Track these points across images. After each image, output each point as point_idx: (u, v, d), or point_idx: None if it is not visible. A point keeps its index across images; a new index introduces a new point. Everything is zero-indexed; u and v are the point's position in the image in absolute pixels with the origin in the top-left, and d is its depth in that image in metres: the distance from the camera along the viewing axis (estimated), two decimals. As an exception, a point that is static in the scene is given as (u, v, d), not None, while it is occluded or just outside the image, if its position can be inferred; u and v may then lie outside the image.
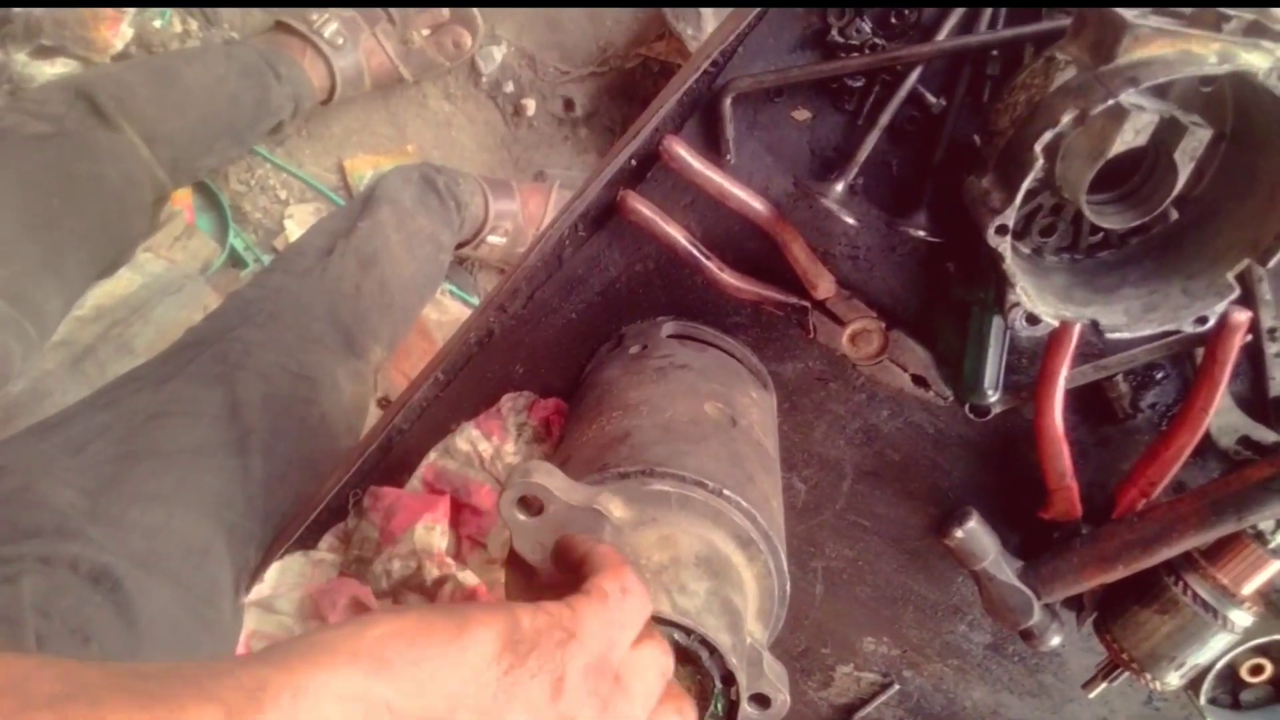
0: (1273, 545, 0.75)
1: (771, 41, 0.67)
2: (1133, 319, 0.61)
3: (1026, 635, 0.78)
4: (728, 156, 0.69)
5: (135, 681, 0.30)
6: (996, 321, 0.69)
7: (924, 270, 0.71)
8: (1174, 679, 0.75)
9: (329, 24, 1.50)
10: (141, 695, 0.29)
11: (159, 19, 1.56)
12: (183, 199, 1.53)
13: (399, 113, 1.61)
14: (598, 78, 1.59)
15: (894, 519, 0.81)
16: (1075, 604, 0.79)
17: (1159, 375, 0.74)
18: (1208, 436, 0.72)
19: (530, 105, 1.59)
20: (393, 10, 1.51)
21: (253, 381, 0.91)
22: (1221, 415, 0.72)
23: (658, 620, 0.48)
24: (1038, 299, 0.60)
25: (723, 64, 0.67)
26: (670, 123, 0.69)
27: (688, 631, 0.48)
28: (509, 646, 0.38)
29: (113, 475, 0.78)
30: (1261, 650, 0.78)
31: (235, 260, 1.58)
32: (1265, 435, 0.72)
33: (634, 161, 0.70)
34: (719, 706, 0.51)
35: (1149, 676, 0.75)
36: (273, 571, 0.81)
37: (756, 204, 0.69)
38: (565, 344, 0.77)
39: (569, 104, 1.59)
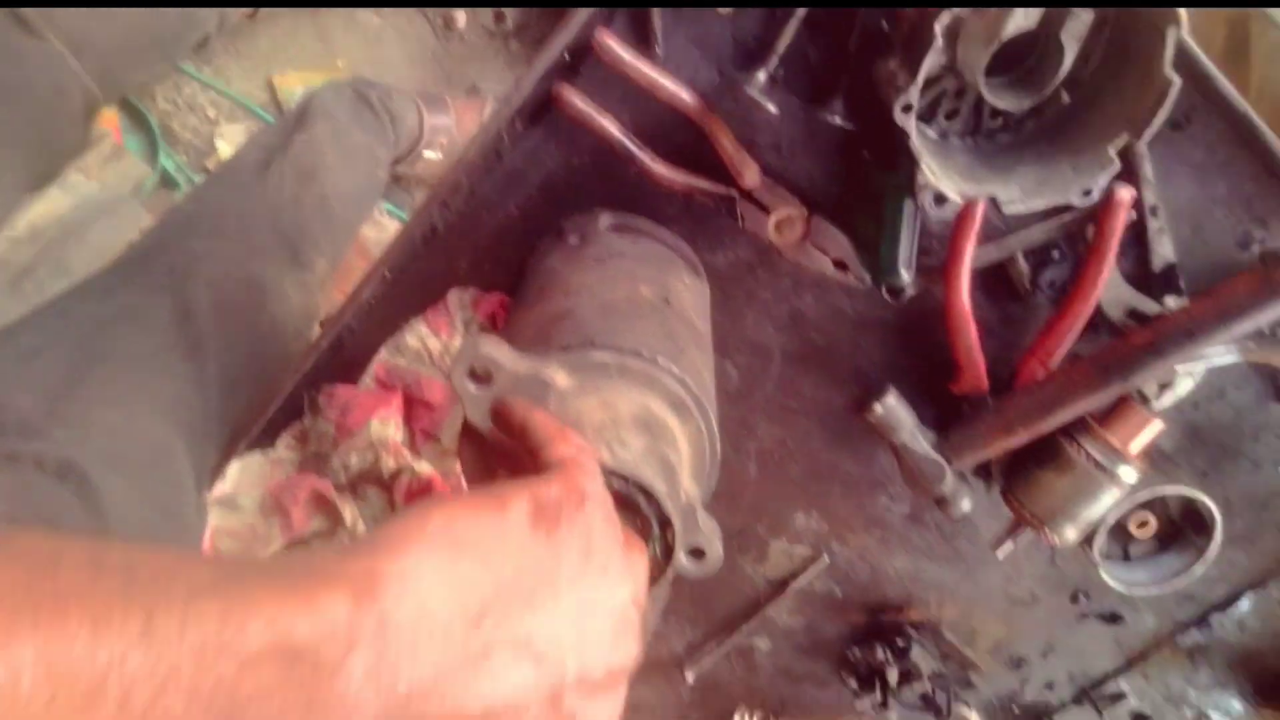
0: (1156, 406, 0.83)
1: (696, -63, 0.69)
2: (1027, 194, 0.66)
3: (941, 502, 0.85)
4: (657, 49, 0.72)
5: (260, 572, 0.33)
6: (908, 205, 0.74)
7: (843, 158, 0.75)
8: (1071, 533, 0.83)
9: (250, -66, 1.46)
10: (278, 579, 0.33)
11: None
12: (110, 120, 1.50)
13: (327, 28, 1.59)
14: (529, -10, 1.59)
15: (820, 399, 0.86)
16: (984, 473, 0.87)
17: (1055, 254, 0.80)
18: (1099, 310, 0.79)
19: (460, 18, 1.58)
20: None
21: (201, 290, 0.92)
22: (1110, 289, 0.79)
23: (600, 469, 0.53)
24: (942, 176, 0.65)
25: (650, -41, 0.70)
26: (601, 17, 0.71)
27: (626, 479, 0.53)
28: (541, 514, 0.42)
29: (69, 380, 0.80)
30: (1146, 505, 0.86)
31: (167, 181, 1.56)
32: (1149, 306, 0.79)
33: (568, 56, 0.73)
34: (656, 550, 0.56)
35: (1049, 532, 0.83)
36: (233, 470, 0.84)
37: (685, 95, 0.73)
38: (507, 239, 0.80)
39: (499, 16, 1.59)
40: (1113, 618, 0.96)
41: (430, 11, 1.59)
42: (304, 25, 1.59)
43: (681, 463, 0.61)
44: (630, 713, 1.07)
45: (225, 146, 1.58)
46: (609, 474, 0.53)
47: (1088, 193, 0.66)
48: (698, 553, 0.59)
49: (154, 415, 0.81)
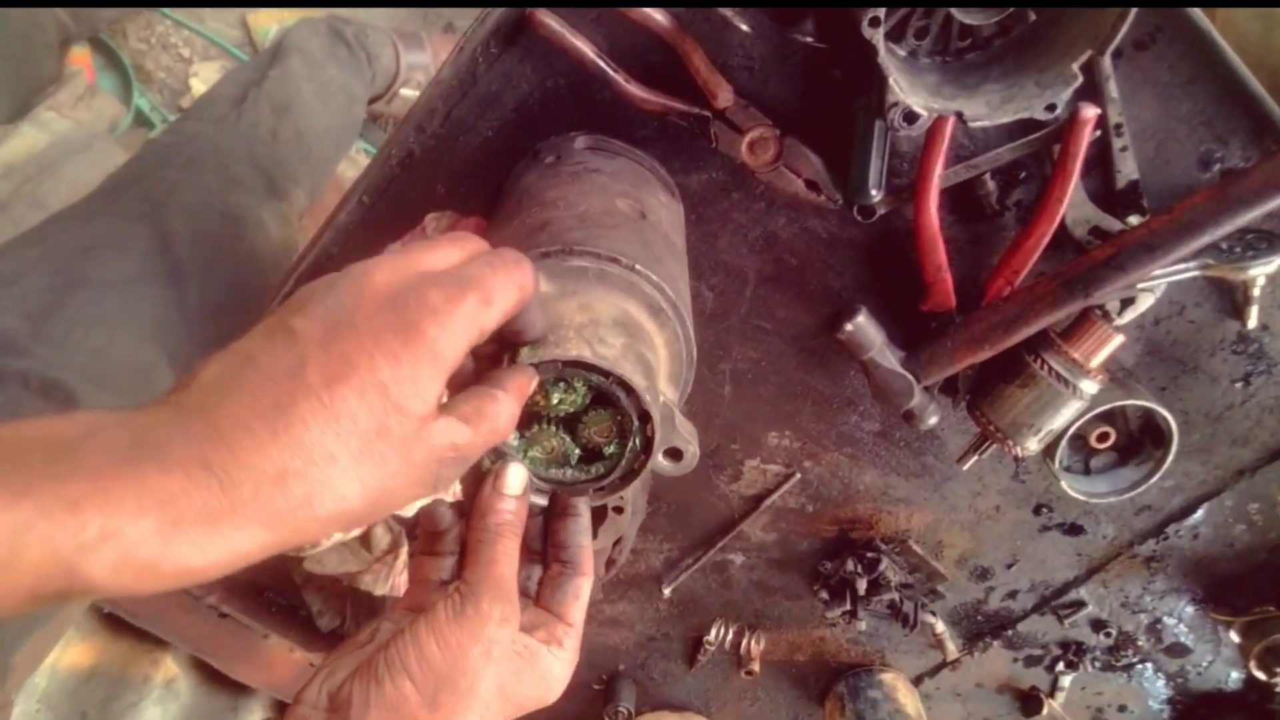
0: (1117, 322, 0.86)
1: None
2: (993, 109, 0.68)
3: (909, 416, 0.88)
4: (630, -30, 0.73)
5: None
6: (878, 125, 0.76)
7: (814, 79, 0.77)
8: (1033, 444, 0.86)
9: None
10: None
11: None
12: (82, 58, 1.49)
13: (301, -36, 1.57)
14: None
15: (793, 320, 0.89)
16: (951, 390, 0.89)
17: (1022, 174, 0.82)
18: (1064, 228, 0.81)
19: (438, -46, 1.56)
20: None
21: (180, 218, 0.93)
22: (1075, 208, 0.81)
23: (581, 365, 0.55)
24: (910, 93, 0.67)
25: (622, -124, 0.70)
26: (574, -64, 0.72)
27: (606, 374, 0.55)
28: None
29: (51, 303, 0.81)
30: (1106, 418, 0.90)
31: (142, 120, 1.55)
32: (1112, 224, 0.81)
33: (541, -23, 0.73)
34: (637, 442, 0.58)
35: (1012, 444, 0.86)
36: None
37: (659, 15, 0.74)
38: (483, 162, 0.82)
39: (476, -47, 1.57)
40: (1074, 529, 0.99)
41: (405, -54, 1.57)
42: (276, -39, 1.57)
43: (659, 365, 0.63)
44: (609, 626, 1.12)
45: (200, 85, 1.57)
46: (589, 369, 0.55)
47: (1052, 107, 0.67)
48: (675, 453, 0.61)
49: (136, 337, 0.83)
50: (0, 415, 0.70)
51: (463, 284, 0.45)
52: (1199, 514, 0.98)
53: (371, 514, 0.43)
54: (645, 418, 0.57)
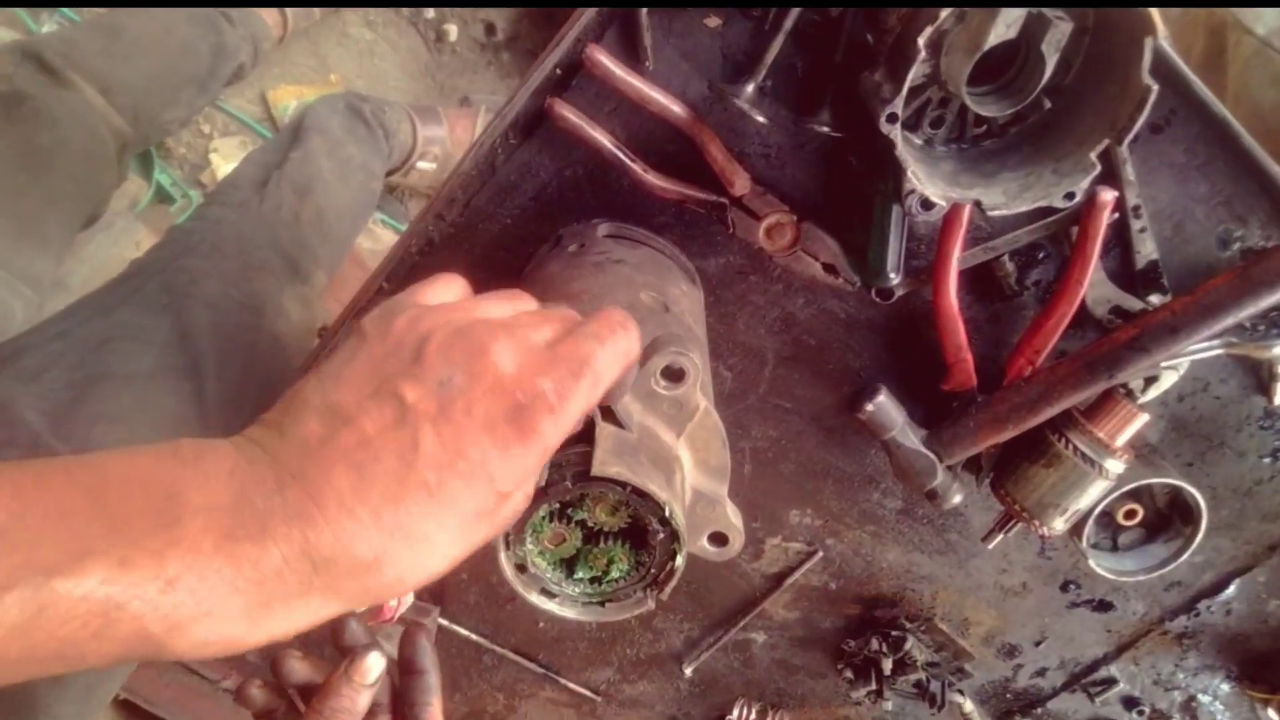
0: (1141, 400, 0.86)
1: (683, -47, 0.71)
2: (1010, 198, 0.68)
3: (932, 496, 0.87)
4: (647, 63, 0.74)
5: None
6: (895, 210, 0.76)
7: (830, 165, 0.77)
8: (1059, 524, 0.85)
9: (265, -44, 1.48)
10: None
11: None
12: (103, 136, 1.51)
13: (320, 42, 1.61)
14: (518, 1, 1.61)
15: (812, 399, 0.88)
16: (975, 468, 0.89)
17: (1041, 255, 0.82)
18: (1084, 309, 0.81)
19: (452, 30, 1.60)
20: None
21: (200, 309, 0.94)
22: (1095, 288, 0.81)
23: (645, 496, 0.55)
24: (928, 183, 0.67)
25: (638, -25, 0.71)
26: (591, 33, 0.73)
27: (664, 518, 0.55)
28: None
29: (72, 399, 0.81)
30: (1133, 495, 0.89)
31: (163, 196, 1.58)
32: (1133, 304, 0.81)
33: (559, 71, 0.74)
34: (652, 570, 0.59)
35: (1038, 524, 0.85)
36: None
37: (675, 107, 0.75)
38: (502, 249, 0.82)
39: (490, 28, 1.61)
40: (1103, 605, 0.98)
41: (421, 24, 1.61)
42: (297, 40, 1.61)
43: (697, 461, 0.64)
44: (629, 707, 1.10)
45: (220, 161, 1.59)
46: (651, 503, 0.55)
47: (1070, 195, 0.68)
48: (720, 538, 0.62)
49: (155, 433, 0.83)
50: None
51: (576, 368, 0.45)
52: (1231, 589, 0.96)
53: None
54: (671, 554, 0.57)
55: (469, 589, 1.00)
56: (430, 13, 1.57)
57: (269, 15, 1.45)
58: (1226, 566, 0.95)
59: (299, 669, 0.60)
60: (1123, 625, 0.99)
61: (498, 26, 1.60)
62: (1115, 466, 0.82)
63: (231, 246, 1.05)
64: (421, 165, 1.54)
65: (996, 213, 0.68)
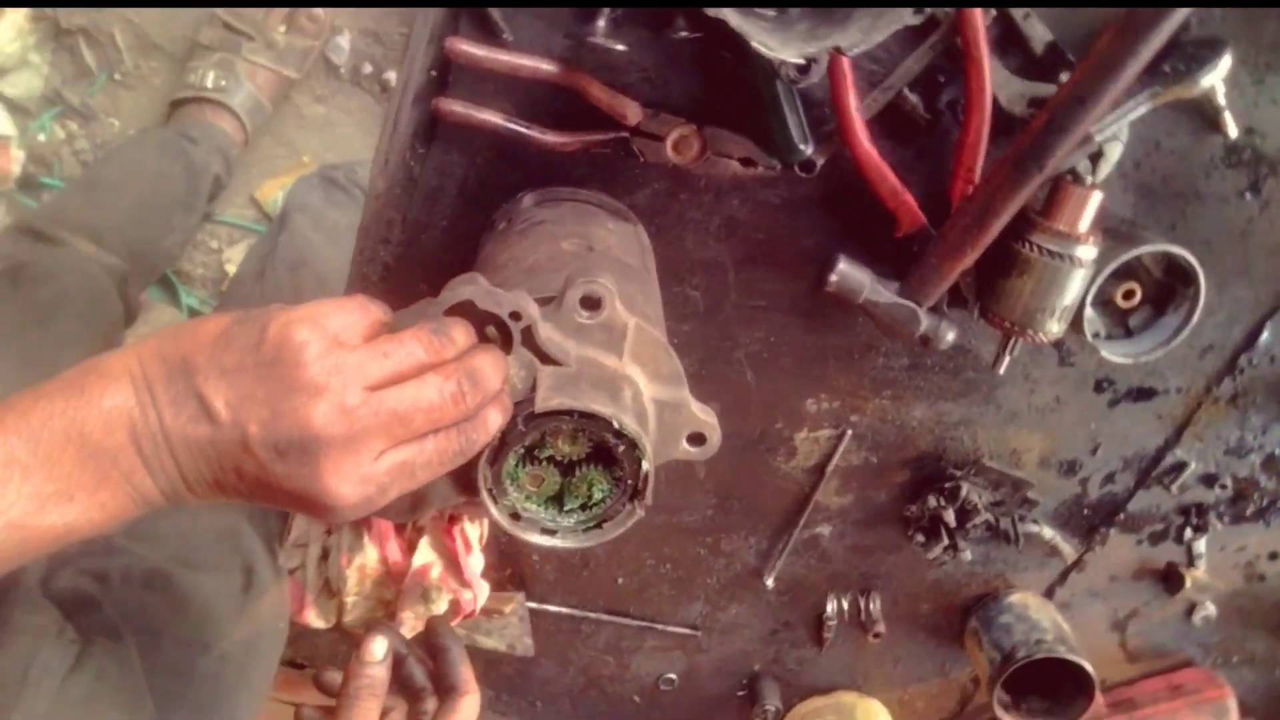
0: (1096, 179, 0.85)
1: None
2: (866, 33, 0.70)
3: (925, 341, 0.88)
4: (505, 36, 0.78)
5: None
6: (779, 84, 0.78)
7: (708, 66, 0.80)
8: (1055, 326, 0.85)
9: (207, 74, 1.60)
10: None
11: (41, 132, 1.66)
12: (127, 283, 1.65)
13: (282, 131, 1.71)
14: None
15: (783, 290, 0.91)
16: (961, 302, 0.89)
17: (941, 78, 0.82)
18: (1004, 112, 0.81)
19: (393, 78, 1.67)
20: (243, 26, 1.60)
21: None
22: (1005, 88, 0.81)
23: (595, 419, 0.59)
24: (783, 47, 0.69)
25: (467, -40, 0.76)
26: (447, 28, 0.78)
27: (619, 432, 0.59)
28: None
29: None
30: (1126, 275, 0.88)
31: (195, 315, 1.70)
32: (1047, 89, 0.81)
33: (434, 73, 0.79)
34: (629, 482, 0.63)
35: (1033, 332, 0.85)
36: (298, 523, 0.93)
37: (545, 65, 0.78)
38: (449, 251, 0.88)
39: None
40: (1143, 394, 0.97)
41: (364, 81, 1.68)
42: (263, 137, 1.71)
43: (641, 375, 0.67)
44: (729, 632, 1.14)
45: (234, 269, 1.71)
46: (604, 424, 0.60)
47: (919, 11, 0.69)
48: (698, 438, 0.66)
49: (217, 508, 0.91)
50: (114, 610, 0.78)
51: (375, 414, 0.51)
52: (1266, 335, 0.93)
53: None
54: (637, 461, 0.61)
55: (544, 568, 1.06)
56: (367, 68, 1.65)
57: (226, 123, 1.55)
58: (1253, 314, 0.93)
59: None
60: (1171, 407, 0.97)
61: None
62: (1086, 253, 0.82)
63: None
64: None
65: (858, 50, 0.70)
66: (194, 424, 0.48)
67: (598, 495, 0.64)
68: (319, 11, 1.59)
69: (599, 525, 0.64)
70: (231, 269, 1.70)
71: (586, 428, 0.61)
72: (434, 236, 0.87)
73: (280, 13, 1.59)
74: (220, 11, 1.56)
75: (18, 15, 1.57)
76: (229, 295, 1.31)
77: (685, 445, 0.68)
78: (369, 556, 0.90)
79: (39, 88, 1.61)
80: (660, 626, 1.10)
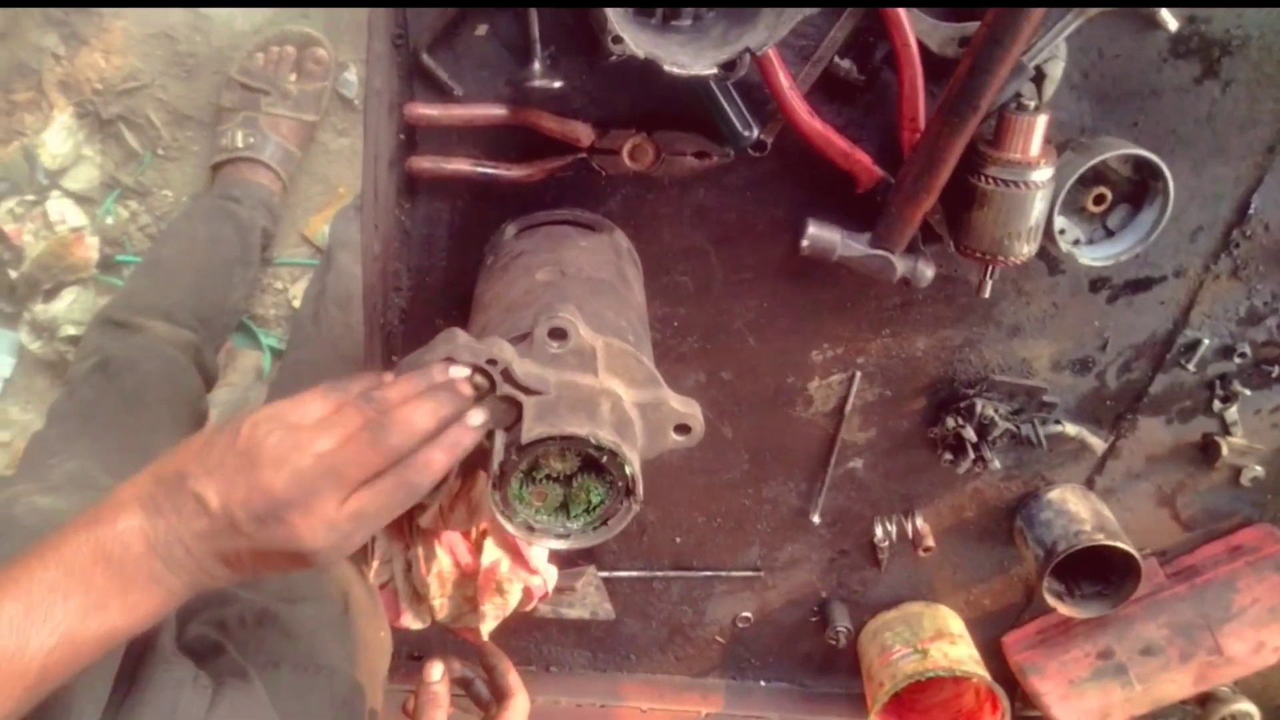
0: (1042, 100, 0.87)
1: (427, -7, 0.82)
2: (772, 29, 0.74)
3: (906, 283, 0.93)
4: (456, 92, 0.85)
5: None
6: (712, 84, 0.83)
7: (647, 77, 0.84)
8: (1026, 249, 0.88)
9: (235, 135, 1.71)
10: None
11: (108, 216, 1.82)
12: (212, 336, 1.81)
13: (315, 169, 1.82)
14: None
15: (764, 260, 0.96)
16: (935, 239, 0.93)
17: (870, 38, 0.85)
18: (936, 57, 0.84)
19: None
20: (256, 84, 1.71)
21: None
22: (931, 35, 0.83)
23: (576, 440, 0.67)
24: (697, 60, 0.74)
25: (405, 33, 0.83)
26: (402, 96, 0.85)
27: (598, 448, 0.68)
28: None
29: None
30: (1093, 181, 0.89)
31: (279, 355, 1.85)
32: (975, 27, 0.83)
33: (402, 136, 0.87)
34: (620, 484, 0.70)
35: (1006, 258, 0.89)
36: (380, 543, 1.05)
37: (495, 110, 0.85)
38: (457, 286, 0.96)
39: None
40: (1140, 285, 0.98)
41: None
42: (300, 179, 1.82)
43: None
44: (790, 568, 1.22)
45: (299, 304, 1.85)
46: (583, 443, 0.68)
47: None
48: (683, 428, 0.73)
49: None
50: (236, 651, 0.91)
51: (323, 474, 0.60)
52: (1254, 205, 0.94)
53: None
54: (621, 465, 0.69)
55: (607, 542, 1.16)
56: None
57: (263, 177, 1.67)
58: (1236, 189, 0.93)
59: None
60: (1173, 292, 0.99)
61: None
62: (1041, 175, 0.84)
63: (309, 378, 1.26)
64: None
65: (765, 48, 0.74)
66: (195, 518, 0.59)
67: (596, 499, 0.72)
68: (322, 54, 1.68)
69: (604, 523, 0.73)
70: (298, 304, 1.84)
71: (571, 446, 0.69)
72: (437, 276, 0.96)
73: (289, 64, 1.69)
74: (234, 74, 1.67)
75: (64, 116, 1.72)
76: (294, 340, 1.44)
77: (674, 436, 0.75)
78: (444, 563, 1.02)
79: (97, 177, 1.76)
80: (724, 573, 1.19)
